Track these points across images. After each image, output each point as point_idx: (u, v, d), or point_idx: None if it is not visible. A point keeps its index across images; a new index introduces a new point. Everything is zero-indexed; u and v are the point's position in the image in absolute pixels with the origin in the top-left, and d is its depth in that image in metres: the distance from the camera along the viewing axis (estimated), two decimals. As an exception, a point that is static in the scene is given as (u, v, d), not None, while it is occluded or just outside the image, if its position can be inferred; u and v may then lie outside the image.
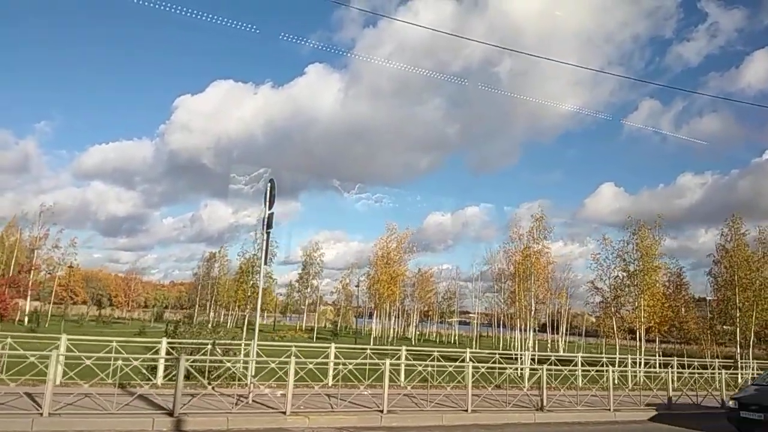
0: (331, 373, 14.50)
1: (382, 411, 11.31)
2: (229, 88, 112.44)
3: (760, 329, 39.63)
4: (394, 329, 73.05)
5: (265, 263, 13.06)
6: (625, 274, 34.33)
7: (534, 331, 38.76)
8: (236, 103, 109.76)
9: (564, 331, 60.16)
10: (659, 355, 34.28)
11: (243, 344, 14.52)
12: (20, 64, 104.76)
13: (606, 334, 36.52)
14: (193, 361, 12.15)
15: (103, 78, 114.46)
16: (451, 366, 14.26)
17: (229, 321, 77.90)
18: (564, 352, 46.26)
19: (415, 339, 65.02)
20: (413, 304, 70.02)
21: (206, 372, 12.47)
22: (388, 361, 11.77)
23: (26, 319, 52.43)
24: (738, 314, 35.90)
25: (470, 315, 78.77)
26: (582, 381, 17.12)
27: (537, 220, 36.71)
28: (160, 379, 12.77)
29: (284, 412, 10.49)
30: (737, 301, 35.88)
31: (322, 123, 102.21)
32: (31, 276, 55.83)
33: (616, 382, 16.51)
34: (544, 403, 13.25)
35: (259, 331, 13.32)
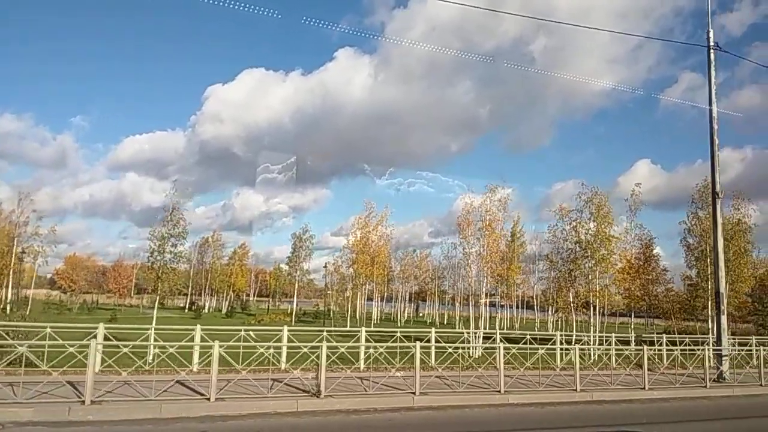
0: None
1: (84, 402, 9.55)
2: (260, 77, 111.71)
3: (740, 304, 36.53)
4: (382, 311, 71.53)
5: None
6: (577, 245, 31.71)
7: (487, 307, 36.48)
8: (266, 91, 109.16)
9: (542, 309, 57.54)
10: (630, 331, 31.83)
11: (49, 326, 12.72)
12: (56, 59, 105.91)
13: (562, 309, 33.87)
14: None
15: (135, 70, 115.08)
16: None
17: (223, 306, 77.74)
18: (552, 330, 43.95)
19: (400, 321, 63.11)
20: (401, 286, 68.08)
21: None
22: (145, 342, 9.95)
23: (8, 308, 52.54)
24: (710, 286, 32.93)
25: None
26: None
27: (491, 191, 34.62)
28: None
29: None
30: (709, 272, 32.92)
31: (352, 108, 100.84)
32: (12, 264, 56.13)
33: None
34: (321, 389, 11.26)
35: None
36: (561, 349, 17.89)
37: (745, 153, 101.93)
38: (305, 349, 13.80)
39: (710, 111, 16.57)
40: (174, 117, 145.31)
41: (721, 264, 16.70)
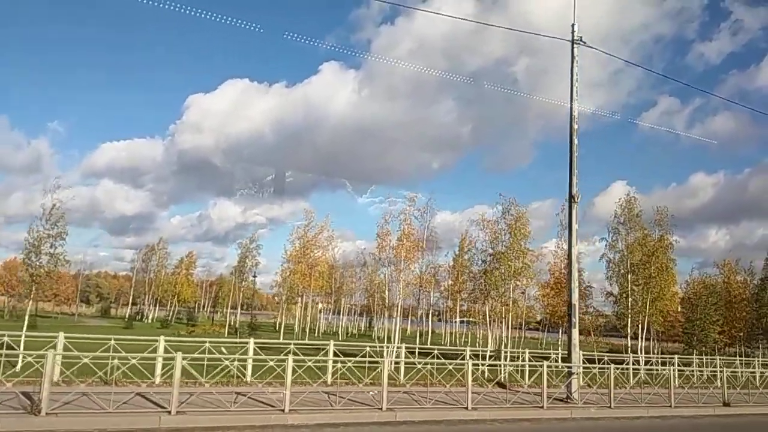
0: None
1: None
2: (243, 88, 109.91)
3: (666, 322, 35.52)
4: (330, 324, 69.71)
5: None
6: (491, 257, 30.44)
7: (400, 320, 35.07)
8: (249, 102, 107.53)
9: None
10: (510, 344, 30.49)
11: None
12: (34, 64, 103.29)
13: (473, 323, 32.51)
14: None
15: (117, 77, 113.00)
16: None
17: (164, 314, 75.10)
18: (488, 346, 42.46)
19: (341, 335, 61.18)
20: (344, 299, 66.44)
21: None
22: None
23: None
24: (630, 302, 31.83)
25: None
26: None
27: (410, 200, 33.67)
28: None
29: None
30: (629, 288, 31.85)
31: (334, 122, 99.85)
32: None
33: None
34: (42, 405, 9.57)
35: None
36: (406, 363, 16.40)
37: (718, 178, 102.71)
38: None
39: (570, 109, 15.37)
40: (153, 125, 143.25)
41: (575, 273, 15.37)
